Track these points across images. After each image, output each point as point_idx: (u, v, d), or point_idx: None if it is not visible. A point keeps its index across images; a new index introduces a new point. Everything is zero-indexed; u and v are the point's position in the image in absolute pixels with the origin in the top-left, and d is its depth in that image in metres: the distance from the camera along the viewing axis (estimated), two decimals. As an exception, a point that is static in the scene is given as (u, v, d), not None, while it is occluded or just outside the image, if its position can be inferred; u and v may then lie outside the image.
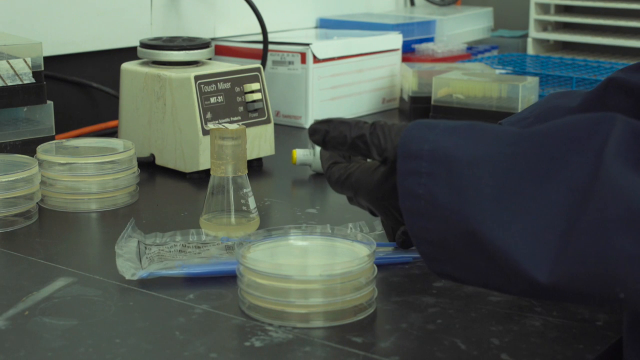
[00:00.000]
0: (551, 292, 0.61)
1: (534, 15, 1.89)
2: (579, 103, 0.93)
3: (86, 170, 1.03)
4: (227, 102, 1.17)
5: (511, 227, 0.61)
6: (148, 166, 1.19)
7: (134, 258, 0.84)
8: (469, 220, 0.62)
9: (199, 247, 0.88)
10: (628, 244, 0.56)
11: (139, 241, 0.88)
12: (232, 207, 0.92)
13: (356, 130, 0.71)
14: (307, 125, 1.45)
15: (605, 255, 0.57)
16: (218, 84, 1.17)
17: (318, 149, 1.17)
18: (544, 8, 1.91)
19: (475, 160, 0.63)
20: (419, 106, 1.51)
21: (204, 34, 1.52)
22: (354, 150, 0.72)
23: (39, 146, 1.06)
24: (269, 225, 0.94)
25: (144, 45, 1.22)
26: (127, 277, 0.81)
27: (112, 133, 1.35)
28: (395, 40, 1.61)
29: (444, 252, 0.66)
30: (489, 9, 2.02)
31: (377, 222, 0.94)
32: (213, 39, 1.52)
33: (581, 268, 0.58)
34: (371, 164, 0.76)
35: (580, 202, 0.58)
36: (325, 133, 0.72)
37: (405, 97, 1.56)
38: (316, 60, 1.45)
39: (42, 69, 1.12)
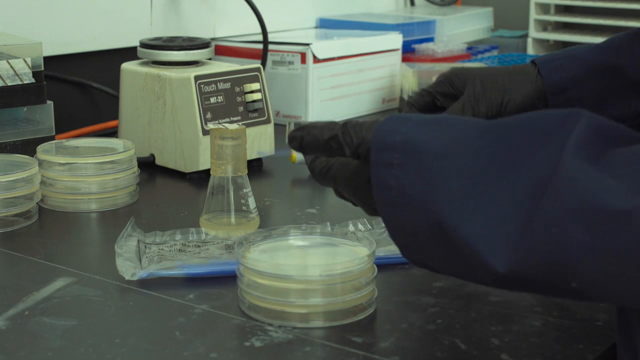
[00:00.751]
0: (510, 282, 0.62)
1: (534, 15, 1.89)
2: (606, 44, 1.00)
3: (86, 170, 1.03)
4: (227, 102, 1.17)
5: (475, 219, 0.62)
6: (148, 166, 1.19)
7: (133, 257, 0.84)
8: (436, 212, 0.63)
9: (199, 246, 0.88)
10: (579, 235, 0.57)
11: (138, 240, 0.88)
12: (232, 207, 0.92)
13: (328, 132, 0.72)
14: (307, 125, 1.45)
15: (558, 245, 0.58)
16: (218, 84, 1.17)
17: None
18: (544, 8, 1.91)
19: (443, 152, 0.64)
20: (419, 106, 1.50)
21: (204, 34, 1.52)
22: (329, 151, 0.73)
23: (39, 146, 1.06)
24: (269, 225, 0.94)
25: (144, 45, 1.22)
26: (127, 277, 0.81)
27: (112, 133, 1.35)
28: (395, 40, 1.61)
29: (416, 242, 0.66)
30: (489, 9, 2.02)
31: (377, 221, 0.94)
32: (213, 39, 1.52)
33: (536, 257, 0.60)
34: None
35: (539, 194, 0.60)
36: (301, 139, 0.73)
37: (405, 97, 1.56)
38: (316, 60, 1.45)
39: (42, 69, 1.12)
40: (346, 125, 0.71)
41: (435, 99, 1.04)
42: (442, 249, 0.65)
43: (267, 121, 1.21)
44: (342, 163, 0.76)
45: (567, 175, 0.58)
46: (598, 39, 1.82)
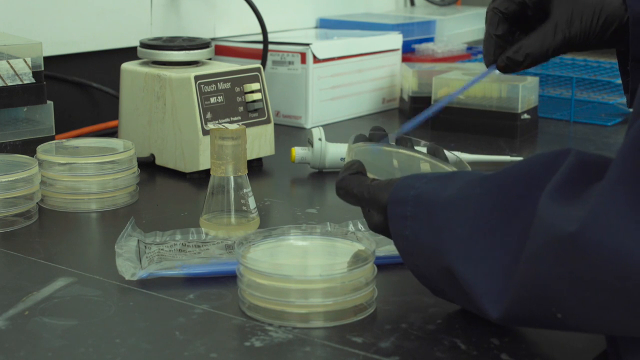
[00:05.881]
0: (507, 322, 0.67)
1: (534, 15, 1.89)
2: None
3: (86, 170, 1.03)
4: (227, 102, 1.17)
5: (478, 265, 0.66)
6: (148, 166, 1.19)
7: (133, 257, 0.84)
8: (444, 258, 0.68)
9: (199, 246, 0.88)
10: (551, 266, 0.60)
11: (138, 240, 0.88)
12: (232, 207, 0.92)
13: (357, 188, 0.78)
14: (307, 126, 1.45)
15: (537, 279, 0.62)
16: (218, 84, 1.17)
17: (316, 147, 1.17)
18: (544, 8, 1.91)
19: (449, 202, 0.69)
20: (419, 106, 1.50)
21: (204, 34, 1.52)
22: (354, 204, 0.80)
23: (39, 146, 1.06)
24: (269, 225, 0.94)
25: (144, 45, 1.22)
26: (127, 277, 0.81)
27: (112, 133, 1.35)
28: (395, 40, 1.61)
29: (437, 285, 0.73)
30: (489, 9, 2.02)
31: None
32: (213, 39, 1.52)
33: (522, 295, 0.64)
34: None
35: (525, 238, 0.64)
36: (337, 191, 0.80)
37: (405, 97, 1.56)
38: (316, 60, 1.45)
39: (42, 69, 1.12)
40: (360, 184, 0.78)
41: (526, 7, 0.89)
42: (455, 291, 0.70)
43: (267, 121, 1.21)
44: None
45: (540, 215, 0.62)
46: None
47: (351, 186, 0.78)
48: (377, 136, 0.90)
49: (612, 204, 0.57)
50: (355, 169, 0.80)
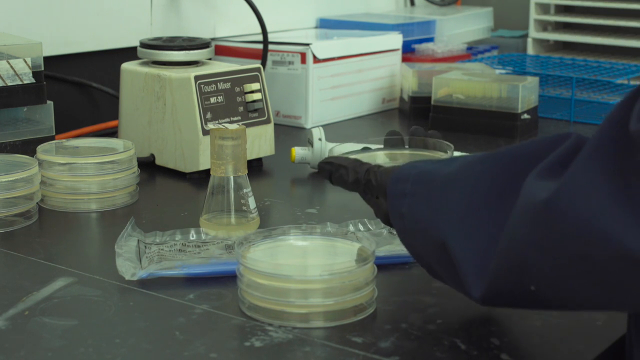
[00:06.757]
0: (485, 303, 0.68)
1: (534, 15, 1.89)
2: None
3: (86, 170, 1.03)
4: (227, 102, 1.17)
5: (469, 239, 0.67)
6: (148, 166, 1.19)
7: (133, 257, 0.84)
8: (438, 232, 0.69)
9: (198, 247, 0.88)
10: (524, 235, 0.61)
11: (138, 240, 0.88)
12: (232, 207, 0.92)
13: (353, 174, 0.80)
14: (307, 126, 1.46)
15: (513, 248, 0.63)
16: (218, 84, 1.17)
17: (316, 147, 1.17)
18: (544, 8, 1.91)
19: (448, 178, 0.70)
20: (419, 106, 1.50)
21: (204, 34, 1.52)
22: (354, 190, 0.81)
23: (39, 146, 1.06)
24: (269, 225, 0.94)
25: (144, 45, 1.22)
26: (127, 277, 0.81)
27: (112, 133, 1.35)
28: (395, 40, 1.61)
29: (433, 268, 0.73)
30: (489, 9, 2.02)
31: (377, 221, 0.94)
32: (213, 39, 1.52)
33: (500, 266, 0.64)
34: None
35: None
36: (329, 174, 0.82)
37: (405, 97, 1.56)
38: (316, 60, 1.45)
39: (42, 69, 1.12)
40: (369, 170, 0.79)
41: None
42: (446, 269, 0.70)
43: (267, 121, 1.21)
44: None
45: (523, 188, 0.63)
46: (598, 39, 1.82)
47: (358, 172, 0.80)
48: (392, 141, 0.93)
49: (584, 173, 0.58)
50: (354, 160, 0.81)
